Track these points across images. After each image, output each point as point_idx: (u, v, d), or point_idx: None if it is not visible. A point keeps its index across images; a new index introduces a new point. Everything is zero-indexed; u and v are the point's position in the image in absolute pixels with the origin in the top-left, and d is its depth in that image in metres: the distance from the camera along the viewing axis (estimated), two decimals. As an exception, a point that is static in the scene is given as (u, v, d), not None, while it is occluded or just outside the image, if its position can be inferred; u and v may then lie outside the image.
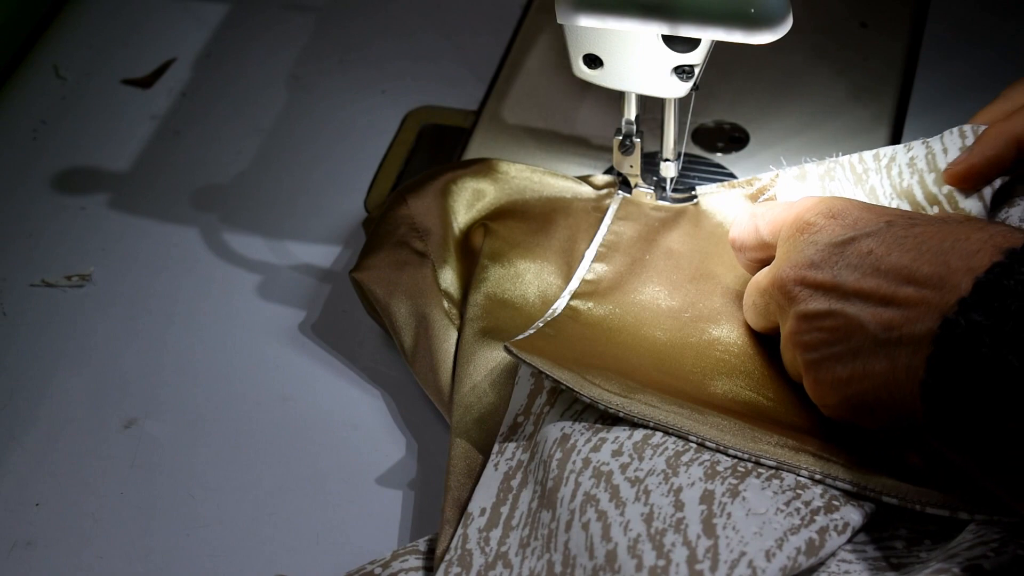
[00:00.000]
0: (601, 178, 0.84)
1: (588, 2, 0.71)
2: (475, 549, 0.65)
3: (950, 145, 0.72)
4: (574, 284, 0.78)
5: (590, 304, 0.76)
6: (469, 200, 0.82)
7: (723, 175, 0.86)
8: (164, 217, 0.89)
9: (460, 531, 0.66)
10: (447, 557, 0.65)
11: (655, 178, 0.82)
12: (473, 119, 0.92)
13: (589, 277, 0.78)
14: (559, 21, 0.72)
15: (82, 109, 0.98)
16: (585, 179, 0.84)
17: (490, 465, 0.69)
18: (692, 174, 0.85)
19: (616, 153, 0.81)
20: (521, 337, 0.72)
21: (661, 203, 0.82)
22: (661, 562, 0.59)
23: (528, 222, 0.81)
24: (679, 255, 0.79)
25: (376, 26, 1.02)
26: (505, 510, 0.67)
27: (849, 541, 0.62)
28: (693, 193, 0.82)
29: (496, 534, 0.66)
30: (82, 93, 0.99)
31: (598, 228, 0.81)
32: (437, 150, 0.90)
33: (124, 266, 0.86)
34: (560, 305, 0.76)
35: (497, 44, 0.98)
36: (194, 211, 0.89)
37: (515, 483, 0.67)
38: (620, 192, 0.83)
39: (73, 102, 0.98)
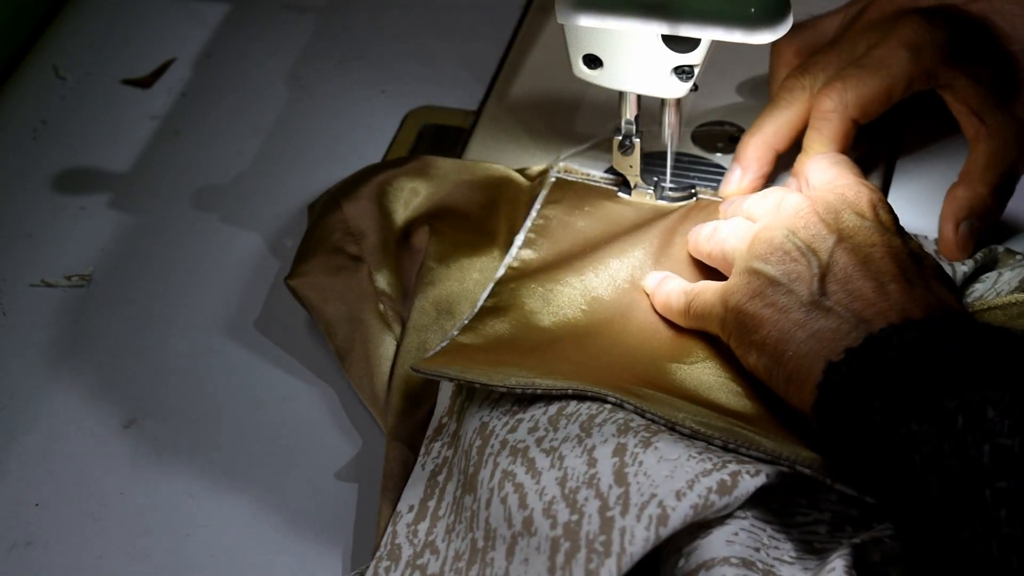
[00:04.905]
0: (535, 169, 0.84)
1: (588, 2, 0.71)
2: (404, 543, 0.67)
3: None
4: (499, 272, 0.78)
5: (512, 286, 0.77)
6: (406, 199, 0.82)
7: (723, 175, 0.86)
8: (164, 217, 0.89)
9: (390, 528, 0.68)
10: (377, 554, 0.67)
11: (655, 178, 0.82)
12: (473, 119, 0.92)
13: (515, 265, 0.78)
14: (559, 21, 0.73)
15: (82, 109, 0.98)
16: (521, 172, 0.84)
17: (418, 466, 0.70)
18: (692, 174, 0.85)
19: (616, 153, 0.82)
20: (432, 353, 0.72)
21: (660, 203, 0.82)
22: (575, 517, 0.60)
23: (469, 218, 0.81)
24: (604, 238, 0.79)
25: (376, 26, 1.02)
26: (432, 503, 0.68)
27: (764, 499, 0.62)
28: (692, 192, 0.82)
29: (424, 526, 0.67)
30: (82, 93, 0.99)
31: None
32: (437, 150, 0.90)
33: (124, 266, 0.86)
34: (482, 298, 0.76)
35: (497, 44, 0.98)
36: (194, 211, 0.89)
37: (441, 478, 0.69)
38: (553, 175, 0.83)
39: (73, 102, 0.98)
